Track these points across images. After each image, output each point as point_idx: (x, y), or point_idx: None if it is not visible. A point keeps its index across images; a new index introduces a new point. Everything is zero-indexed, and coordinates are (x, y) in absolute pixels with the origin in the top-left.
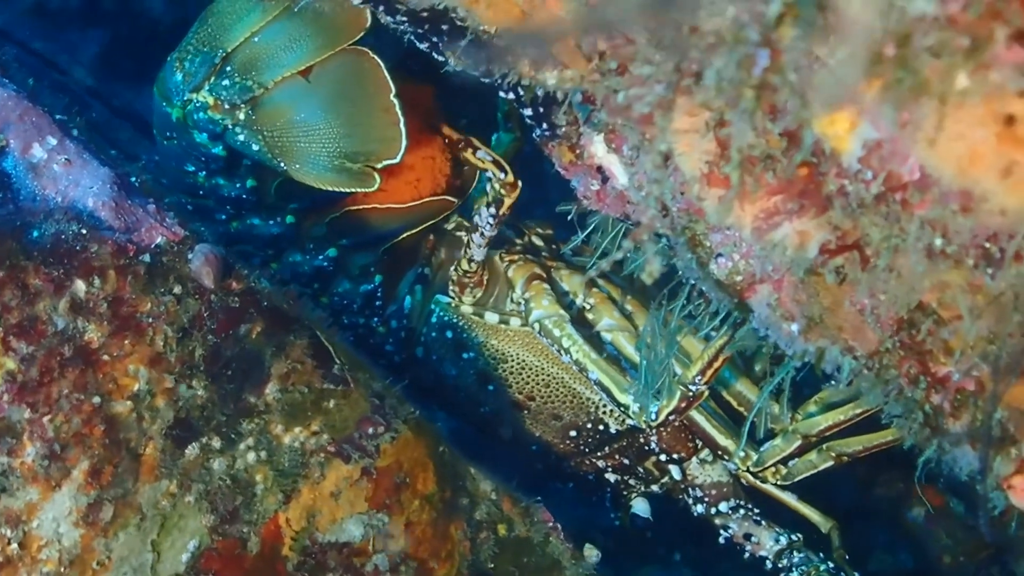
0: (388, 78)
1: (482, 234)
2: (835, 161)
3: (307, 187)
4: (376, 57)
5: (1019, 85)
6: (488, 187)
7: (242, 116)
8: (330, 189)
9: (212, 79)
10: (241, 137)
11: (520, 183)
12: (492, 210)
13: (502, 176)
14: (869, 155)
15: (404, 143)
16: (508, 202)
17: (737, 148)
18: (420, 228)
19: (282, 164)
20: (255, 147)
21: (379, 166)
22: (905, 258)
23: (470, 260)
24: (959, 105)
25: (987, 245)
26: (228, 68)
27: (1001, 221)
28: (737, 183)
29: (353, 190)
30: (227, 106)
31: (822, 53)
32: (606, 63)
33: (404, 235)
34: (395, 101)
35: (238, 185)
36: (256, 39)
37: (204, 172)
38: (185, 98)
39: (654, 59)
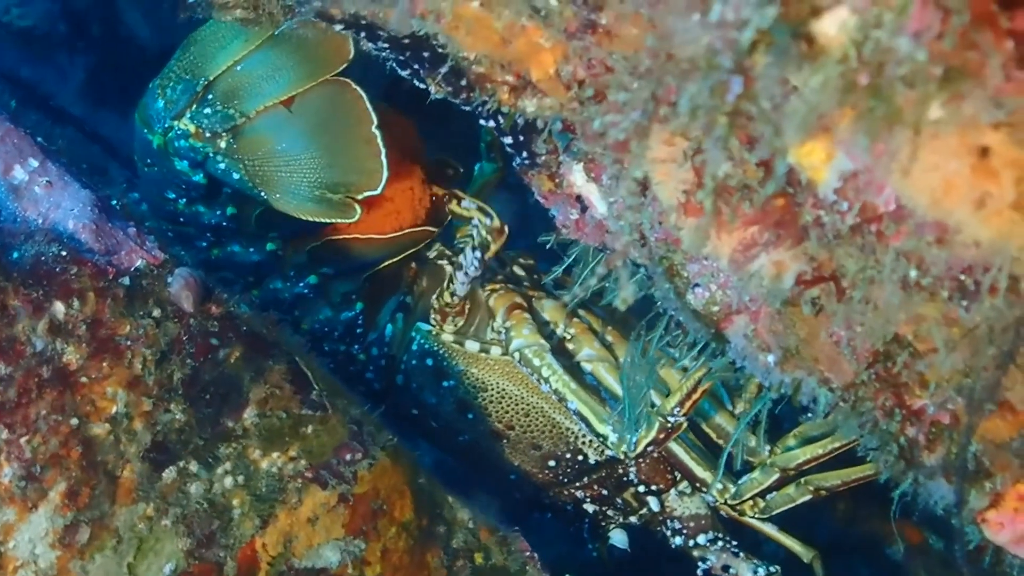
0: (370, 109)
1: (466, 274)
2: (811, 192)
3: (288, 216)
4: (358, 88)
5: (993, 117)
6: (475, 232)
7: (223, 144)
8: (310, 219)
9: (194, 107)
10: (222, 165)
11: (507, 228)
12: (478, 253)
13: (488, 222)
14: (845, 186)
15: (385, 175)
16: (495, 248)
17: (711, 175)
18: (400, 257)
19: (263, 193)
20: (236, 176)
21: (360, 197)
22: (881, 290)
23: (452, 294)
24: (933, 136)
25: (962, 277)
26: (210, 96)
27: (975, 253)
28: (711, 210)
29: (333, 221)
30: (208, 134)
31: (796, 81)
32: (585, 91)
33: (385, 264)
34: (377, 133)
35: (219, 213)
36: (239, 68)
37: (185, 199)
38: (166, 125)
39: (631, 86)
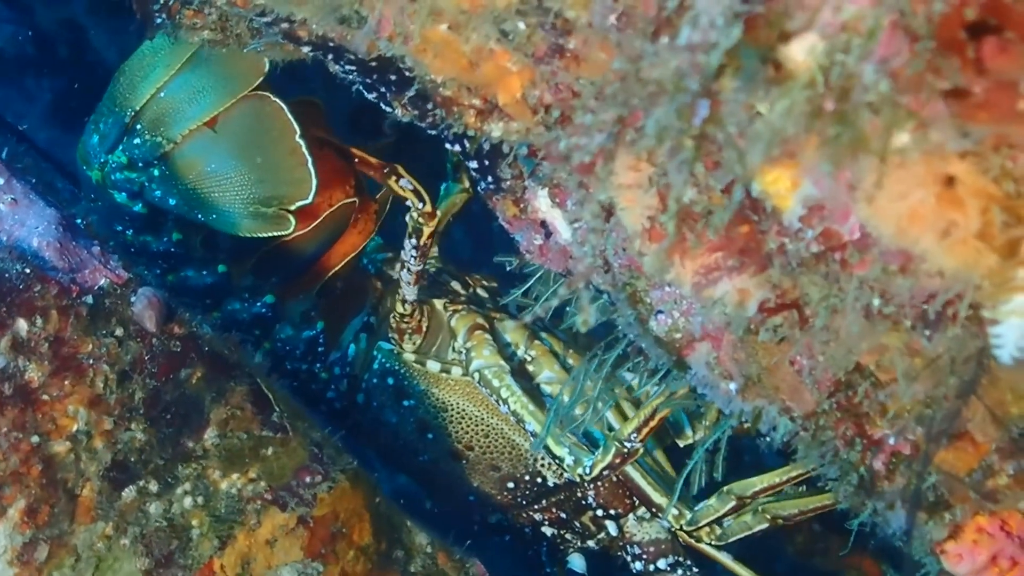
0: (292, 120)
1: (408, 269)
2: (776, 219)
3: (231, 235)
4: (278, 100)
5: (959, 146)
6: (408, 218)
7: (156, 173)
8: (249, 236)
9: (124, 139)
10: (158, 193)
11: (439, 212)
12: (413, 240)
13: (420, 206)
14: (810, 214)
15: (315, 183)
16: (427, 231)
17: (675, 198)
18: (352, 258)
19: (200, 216)
20: (172, 202)
21: (292, 208)
22: (843, 318)
23: (403, 301)
24: (899, 164)
25: (925, 307)
26: (138, 126)
27: (939, 283)
28: (673, 233)
29: (271, 235)
30: (141, 164)
31: (762, 106)
32: (551, 115)
33: (340, 264)
34: (300, 142)
35: (165, 239)
36: (162, 94)
37: (131, 230)
38: (101, 160)
39: (597, 110)
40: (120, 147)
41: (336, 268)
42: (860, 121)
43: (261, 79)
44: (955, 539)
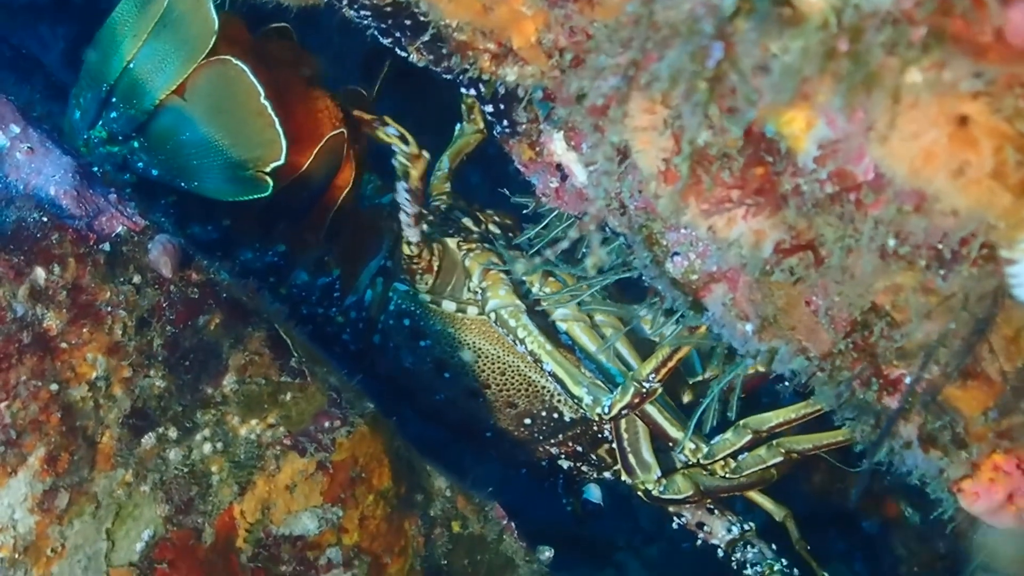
0: (255, 82)
1: (405, 212)
2: (791, 160)
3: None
4: (240, 63)
5: (972, 86)
6: (395, 161)
7: (136, 145)
8: (232, 200)
9: (103, 113)
10: (141, 165)
11: (426, 154)
12: (403, 183)
13: (405, 148)
14: (824, 155)
15: (284, 143)
16: (415, 174)
17: (688, 140)
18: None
19: (183, 184)
20: (155, 172)
21: (267, 170)
22: (859, 259)
23: (408, 243)
24: (912, 105)
25: (939, 246)
26: (114, 99)
27: (953, 222)
28: (687, 175)
29: (252, 197)
30: (121, 137)
31: (776, 47)
32: (565, 59)
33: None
34: (266, 103)
35: (163, 203)
36: (132, 65)
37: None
38: (84, 136)
39: (611, 52)
40: (100, 122)
41: (335, 205)
42: (874, 60)
43: (214, 38)
44: (972, 478)
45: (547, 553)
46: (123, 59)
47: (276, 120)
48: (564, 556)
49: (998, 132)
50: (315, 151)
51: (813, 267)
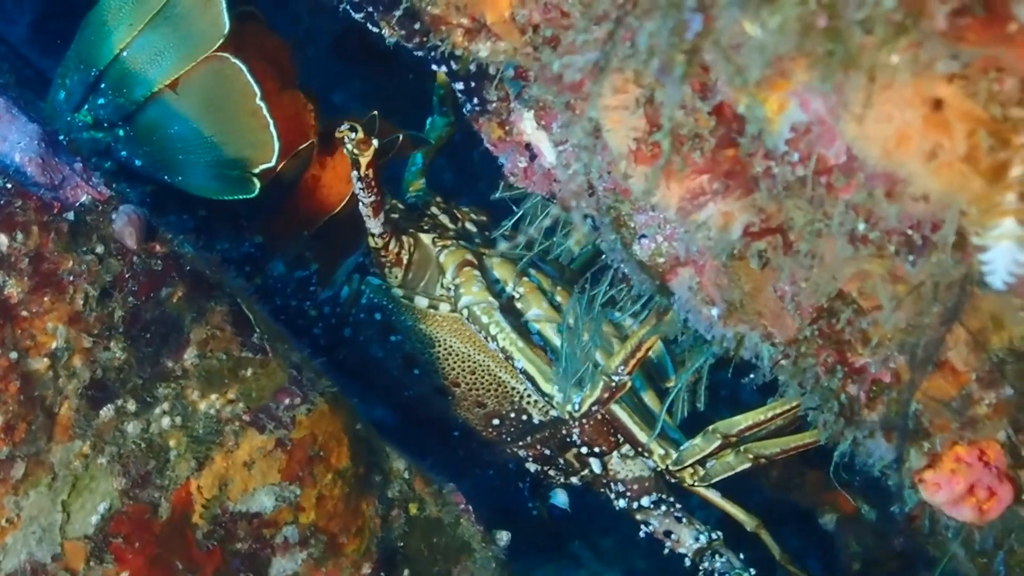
0: (252, 81)
1: (362, 203)
2: (762, 142)
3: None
4: (237, 62)
5: (948, 68)
6: (345, 151)
7: (121, 134)
8: (214, 198)
9: (90, 98)
10: (124, 154)
11: (375, 141)
12: (355, 173)
13: (353, 136)
14: (797, 138)
15: (277, 146)
16: (364, 161)
17: (668, 116)
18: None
19: (166, 178)
20: (138, 163)
21: (256, 171)
22: (828, 244)
23: (371, 235)
24: (887, 86)
25: (910, 232)
26: (102, 86)
27: (924, 207)
28: (668, 150)
29: (236, 198)
30: (106, 125)
31: (754, 22)
32: (539, 36)
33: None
34: (262, 104)
35: (140, 191)
36: (125, 54)
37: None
38: (67, 119)
39: (586, 27)
40: (86, 106)
41: (333, 211)
42: (852, 39)
43: (221, 40)
44: (933, 468)
45: (504, 538)
46: (115, 46)
47: (271, 123)
48: (520, 542)
49: (972, 116)
50: (292, 155)
51: (782, 251)
